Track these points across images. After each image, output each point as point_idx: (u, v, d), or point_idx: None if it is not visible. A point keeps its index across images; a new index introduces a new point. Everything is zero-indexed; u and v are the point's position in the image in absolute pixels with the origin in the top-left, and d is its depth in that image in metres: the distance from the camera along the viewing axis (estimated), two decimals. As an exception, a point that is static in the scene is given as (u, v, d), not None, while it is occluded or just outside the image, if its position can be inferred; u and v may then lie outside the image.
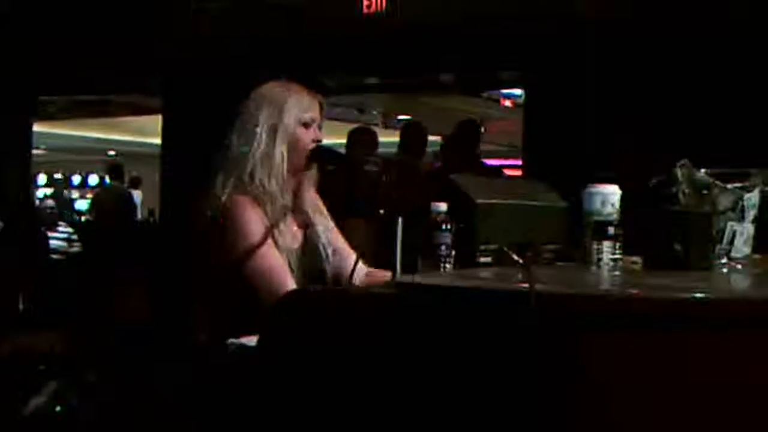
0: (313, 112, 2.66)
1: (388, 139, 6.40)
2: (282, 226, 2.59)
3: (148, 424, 3.46)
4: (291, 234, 2.63)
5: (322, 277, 2.67)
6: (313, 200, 2.72)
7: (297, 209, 2.68)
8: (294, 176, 2.65)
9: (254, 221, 2.53)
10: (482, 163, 6.23)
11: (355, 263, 2.35)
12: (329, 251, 2.69)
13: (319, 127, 2.68)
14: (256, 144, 2.59)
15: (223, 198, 2.55)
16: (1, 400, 3.78)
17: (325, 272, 2.68)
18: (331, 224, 2.76)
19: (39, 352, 4.06)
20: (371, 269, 2.68)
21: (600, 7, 6.10)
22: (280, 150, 2.59)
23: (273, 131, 2.60)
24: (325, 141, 2.71)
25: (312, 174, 2.70)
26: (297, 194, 2.68)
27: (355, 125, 6.95)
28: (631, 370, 1.74)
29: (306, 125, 2.64)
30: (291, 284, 2.49)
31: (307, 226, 2.69)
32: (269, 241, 2.53)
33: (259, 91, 2.69)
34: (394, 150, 6.15)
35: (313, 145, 2.64)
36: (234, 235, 2.51)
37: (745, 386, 1.75)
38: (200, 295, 2.72)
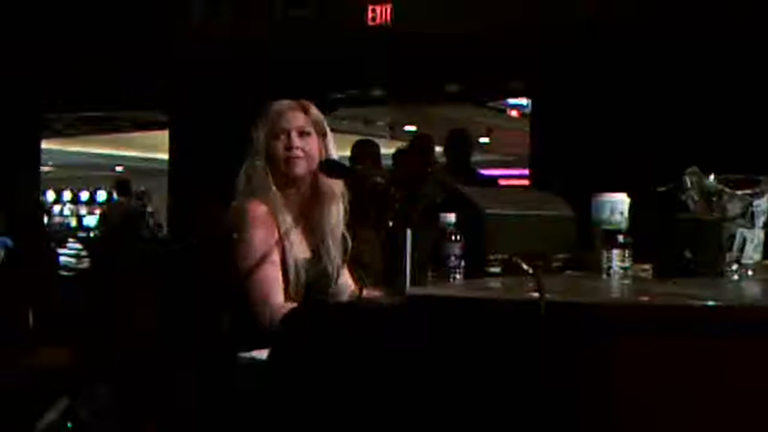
0: (284, 122, 2.65)
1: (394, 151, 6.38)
2: (292, 235, 2.58)
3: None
4: (301, 243, 2.63)
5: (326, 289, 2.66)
6: (332, 223, 2.67)
7: (310, 226, 2.67)
8: (291, 189, 2.64)
9: (259, 230, 2.54)
10: (474, 172, 6.13)
11: (361, 290, 2.34)
12: (334, 274, 2.68)
13: (302, 134, 2.64)
14: (245, 163, 2.65)
15: (238, 205, 2.58)
16: (14, 416, 3.78)
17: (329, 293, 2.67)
18: (340, 258, 2.71)
19: (50, 368, 4.06)
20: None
21: (605, 15, 6.10)
22: (260, 166, 2.62)
23: (250, 150, 2.65)
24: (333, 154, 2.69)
25: (330, 195, 2.66)
26: (309, 211, 2.67)
27: (361, 137, 6.93)
28: (641, 379, 1.74)
29: (276, 136, 2.64)
30: (277, 298, 2.49)
31: (317, 245, 2.67)
32: (270, 250, 2.52)
33: None
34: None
35: (287, 153, 2.62)
36: (239, 242, 2.53)
37: (756, 392, 1.74)
38: (212, 305, 2.72)
